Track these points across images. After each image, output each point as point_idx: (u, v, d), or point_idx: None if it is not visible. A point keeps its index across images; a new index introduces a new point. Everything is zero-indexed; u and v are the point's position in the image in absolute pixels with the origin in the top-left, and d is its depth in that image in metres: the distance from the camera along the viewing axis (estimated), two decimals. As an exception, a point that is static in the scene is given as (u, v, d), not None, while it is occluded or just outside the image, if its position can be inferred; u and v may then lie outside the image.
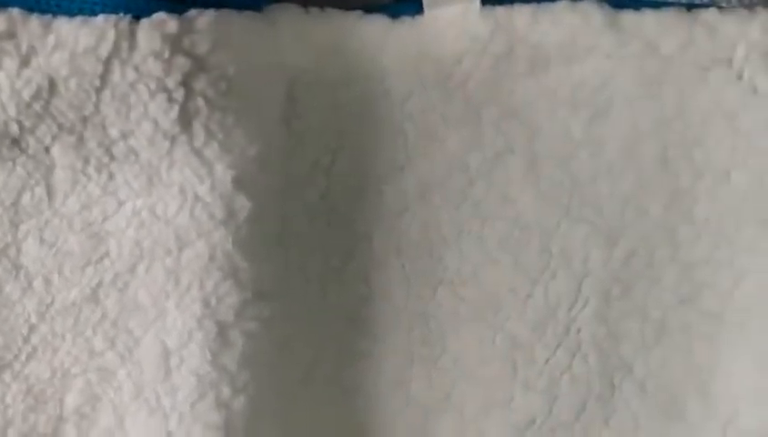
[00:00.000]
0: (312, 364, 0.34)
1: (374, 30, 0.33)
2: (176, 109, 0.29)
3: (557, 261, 0.34)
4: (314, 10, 0.34)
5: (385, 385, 0.35)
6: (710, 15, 0.32)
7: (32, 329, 0.31)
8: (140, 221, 0.30)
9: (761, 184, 0.33)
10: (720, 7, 0.32)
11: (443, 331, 0.35)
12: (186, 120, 0.29)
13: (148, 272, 0.31)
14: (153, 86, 0.29)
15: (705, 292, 0.34)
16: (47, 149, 0.30)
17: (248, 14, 0.31)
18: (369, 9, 0.34)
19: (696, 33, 0.32)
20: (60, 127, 0.30)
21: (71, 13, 0.29)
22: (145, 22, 0.29)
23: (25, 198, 0.31)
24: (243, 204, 0.30)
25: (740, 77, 0.33)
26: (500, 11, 0.33)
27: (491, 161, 0.34)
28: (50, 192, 0.31)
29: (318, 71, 0.33)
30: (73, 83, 0.29)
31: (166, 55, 0.29)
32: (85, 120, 0.30)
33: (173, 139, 0.29)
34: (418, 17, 0.33)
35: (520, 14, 0.33)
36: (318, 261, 0.34)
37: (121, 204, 0.31)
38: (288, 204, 0.33)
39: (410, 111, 0.33)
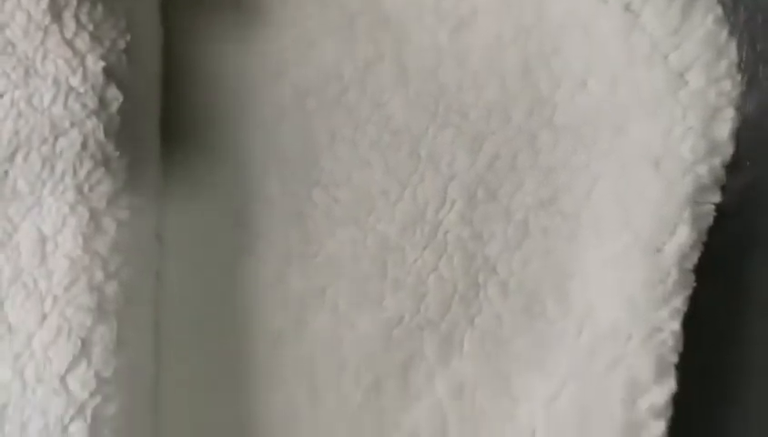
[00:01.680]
0: (192, 257, 0.36)
1: None
2: (45, 0, 0.30)
3: (425, 165, 0.36)
4: None
5: (265, 280, 0.36)
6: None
7: None
8: (18, 112, 0.32)
9: (614, 92, 0.35)
10: None
11: (319, 231, 0.36)
12: (56, 11, 0.31)
13: (26, 161, 0.32)
14: None
15: (563, 195, 0.36)
16: None
17: None
18: None
19: None
20: None
21: None
22: None
23: None
24: (114, 95, 0.32)
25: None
26: None
27: (363, 69, 0.35)
28: None
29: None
30: None
31: None
32: None
33: (45, 30, 0.31)
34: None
35: None
36: (197, 159, 0.36)
37: (0, 96, 0.32)
38: (164, 98, 0.35)
39: (286, 18, 0.35)
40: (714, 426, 0.38)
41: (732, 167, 0.35)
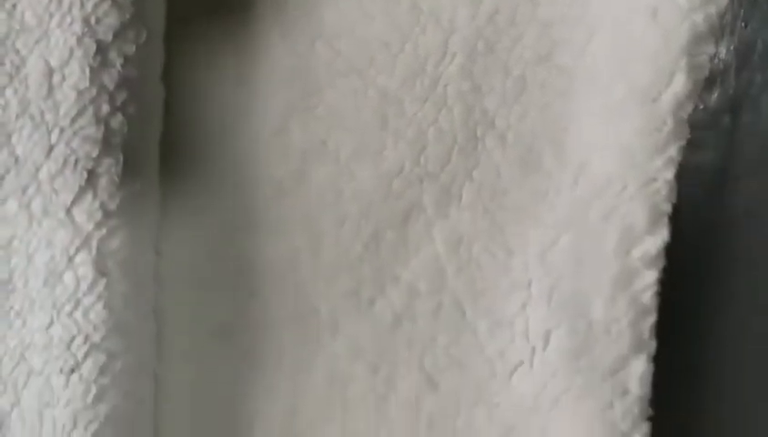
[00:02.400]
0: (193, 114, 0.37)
1: None
2: None
3: (426, 18, 0.36)
4: None
5: (266, 133, 0.37)
6: None
7: None
8: None
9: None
10: None
11: (320, 83, 0.37)
12: None
13: None
14: None
15: (561, 49, 0.36)
16: None
17: None
18: None
19: None
20: None
21: None
22: None
23: None
24: None
25: None
26: None
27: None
28: None
29: None
30: None
31: None
32: None
33: None
34: None
35: None
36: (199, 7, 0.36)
37: None
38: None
39: None
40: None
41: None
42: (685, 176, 0.36)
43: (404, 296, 0.38)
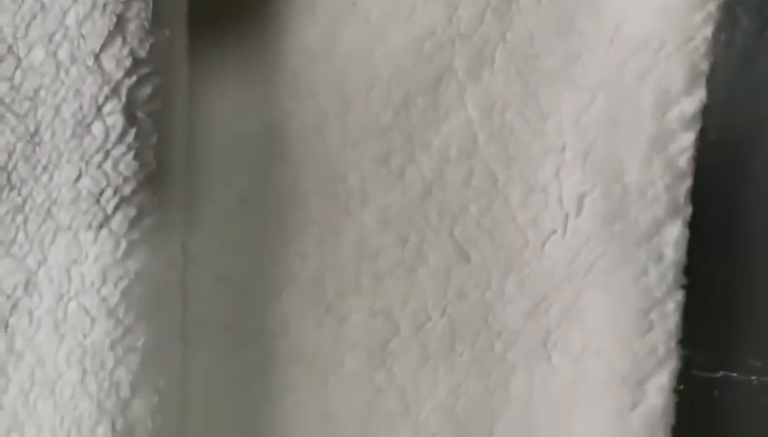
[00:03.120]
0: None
1: None
2: None
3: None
4: None
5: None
6: None
7: None
8: None
9: None
10: None
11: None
12: None
13: None
14: None
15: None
16: None
17: None
18: None
19: None
20: None
21: None
22: None
23: None
24: None
25: None
26: None
27: None
28: None
29: None
30: None
31: None
32: None
33: None
34: None
35: None
36: None
37: None
38: None
39: None
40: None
41: None
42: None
43: (434, 163, 0.37)
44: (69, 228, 0.33)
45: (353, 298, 0.37)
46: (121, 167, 0.32)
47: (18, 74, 0.32)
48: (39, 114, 0.32)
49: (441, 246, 0.37)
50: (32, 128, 0.33)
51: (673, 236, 0.36)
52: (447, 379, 0.37)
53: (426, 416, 0.38)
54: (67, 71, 0.32)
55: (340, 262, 0.37)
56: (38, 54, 0.32)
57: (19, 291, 0.34)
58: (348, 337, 0.37)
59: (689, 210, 0.36)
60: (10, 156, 0.33)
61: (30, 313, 0.34)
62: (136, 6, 0.32)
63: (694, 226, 0.36)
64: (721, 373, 0.39)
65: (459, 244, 0.37)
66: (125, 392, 0.33)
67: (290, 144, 0.37)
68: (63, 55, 0.32)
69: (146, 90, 0.32)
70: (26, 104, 0.32)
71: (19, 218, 0.33)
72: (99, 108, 0.32)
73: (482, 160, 0.37)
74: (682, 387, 0.37)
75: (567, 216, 0.36)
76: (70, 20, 0.32)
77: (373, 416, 0.38)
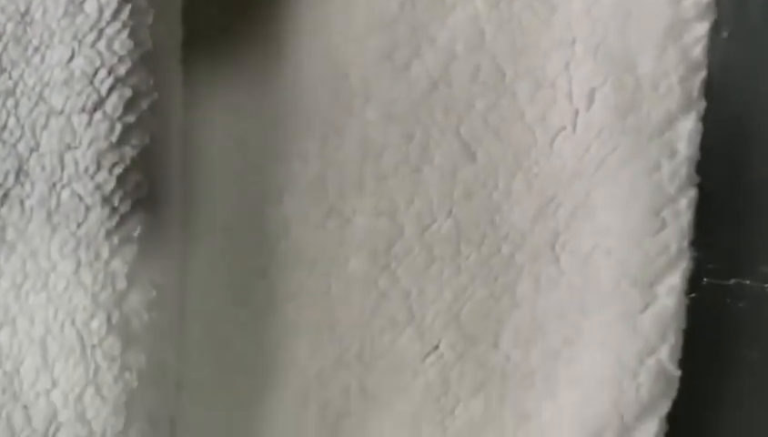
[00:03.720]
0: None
1: None
2: None
3: None
4: None
5: None
6: None
7: None
8: None
9: None
10: None
11: None
12: None
13: None
14: None
15: None
16: None
17: None
18: None
19: None
20: None
21: None
22: None
23: None
24: None
25: None
26: None
27: None
28: None
29: None
30: None
31: None
32: None
33: None
34: None
35: None
36: None
37: None
38: None
39: None
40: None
41: None
42: None
43: (440, 58, 0.36)
44: (62, 111, 0.32)
45: (356, 199, 0.36)
46: (116, 45, 0.31)
47: None
48: None
49: (447, 144, 0.36)
50: (22, 8, 0.31)
51: (687, 130, 0.35)
52: (452, 282, 0.36)
53: (431, 321, 0.37)
54: None
55: (343, 162, 0.36)
56: None
57: (10, 180, 0.32)
58: (351, 239, 0.36)
59: (703, 104, 0.35)
60: (0, 37, 0.32)
61: (21, 203, 0.32)
62: None
63: (708, 122, 0.35)
64: (733, 281, 0.38)
65: (465, 142, 0.36)
66: (121, 284, 0.32)
67: (291, 41, 0.36)
68: None
69: None
70: None
71: (10, 103, 0.32)
72: None
73: (489, 55, 0.36)
74: (693, 295, 0.36)
75: (577, 111, 0.35)
76: None
77: (377, 321, 0.37)
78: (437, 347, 0.37)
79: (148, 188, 0.32)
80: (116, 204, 0.32)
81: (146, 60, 0.31)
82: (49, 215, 0.32)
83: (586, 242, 0.36)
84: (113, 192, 0.32)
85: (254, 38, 0.36)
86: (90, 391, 0.32)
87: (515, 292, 0.37)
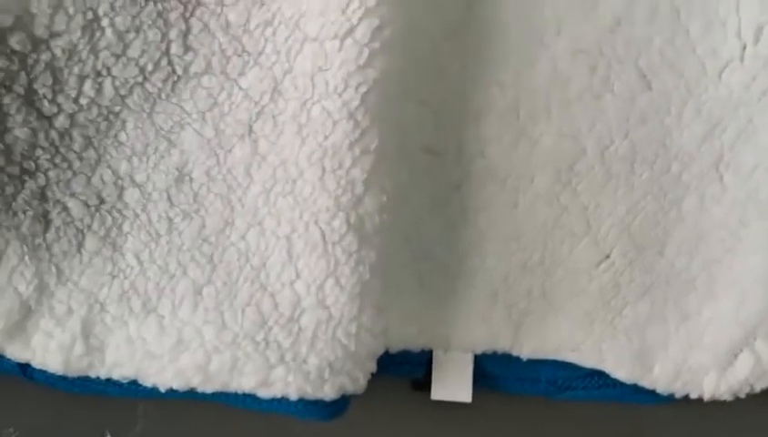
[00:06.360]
0: None
1: None
2: None
3: None
4: None
5: None
6: None
7: None
8: None
9: None
10: None
11: None
12: None
13: None
14: None
15: None
16: None
17: None
18: None
19: None
20: None
21: None
22: None
23: None
24: None
25: None
26: None
27: None
28: None
29: None
30: None
31: None
32: None
33: None
34: None
35: None
36: None
37: None
38: None
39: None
40: None
41: None
42: None
43: (624, -2, 0.41)
44: (316, 38, 0.36)
45: (544, 122, 0.41)
46: None
47: None
48: None
49: (626, 75, 0.41)
50: None
51: None
52: (626, 198, 0.41)
53: (605, 232, 0.42)
54: None
55: (534, 90, 0.41)
56: None
57: (265, 99, 0.37)
58: (538, 158, 0.41)
59: None
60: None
61: (274, 118, 0.37)
62: None
63: None
64: None
65: (642, 73, 0.41)
66: (359, 190, 0.37)
67: None
68: None
69: None
70: None
71: (268, 31, 0.37)
72: None
73: (667, -4, 0.41)
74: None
75: (744, 46, 0.40)
76: None
77: (557, 232, 0.42)
78: (609, 255, 0.42)
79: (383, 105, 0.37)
80: (359, 118, 0.36)
81: (389, -3, 0.36)
82: (299, 128, 0.37)
83: (748, 161, 0.41)
84: (357, 108, 0.36)
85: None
86: (330, 281, 0.37)
87: (681, 207, 0.41)
